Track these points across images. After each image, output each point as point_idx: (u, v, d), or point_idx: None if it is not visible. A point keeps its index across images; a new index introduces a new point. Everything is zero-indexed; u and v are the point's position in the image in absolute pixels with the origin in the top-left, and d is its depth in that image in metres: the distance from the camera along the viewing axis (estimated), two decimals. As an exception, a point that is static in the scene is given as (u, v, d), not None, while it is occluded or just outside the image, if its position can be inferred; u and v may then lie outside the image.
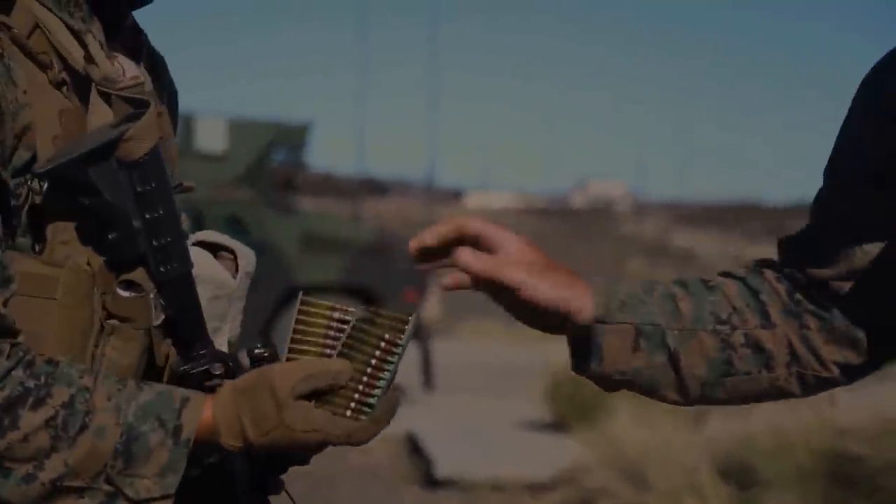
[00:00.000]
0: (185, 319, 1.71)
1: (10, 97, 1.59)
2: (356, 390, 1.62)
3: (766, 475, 6.87)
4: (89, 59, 1.67)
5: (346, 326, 1.63)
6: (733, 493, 7.05)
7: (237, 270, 1.86)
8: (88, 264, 1.64)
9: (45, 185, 1.61)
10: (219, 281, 1.83)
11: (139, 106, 1.66)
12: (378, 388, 1.64)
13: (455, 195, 61.69)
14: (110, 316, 1.66)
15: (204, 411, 1.61)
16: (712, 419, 8.25)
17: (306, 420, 1.60)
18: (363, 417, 1.63)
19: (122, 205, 1.63)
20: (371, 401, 1.63)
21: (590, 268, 40.02)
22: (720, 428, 7.86)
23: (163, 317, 1.69)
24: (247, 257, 1.86)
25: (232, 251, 1.86)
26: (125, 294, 1.66)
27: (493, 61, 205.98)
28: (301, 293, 1.68)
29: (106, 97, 1.67)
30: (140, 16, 1.82)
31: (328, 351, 1.63)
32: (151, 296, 1.67)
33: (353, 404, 1.62)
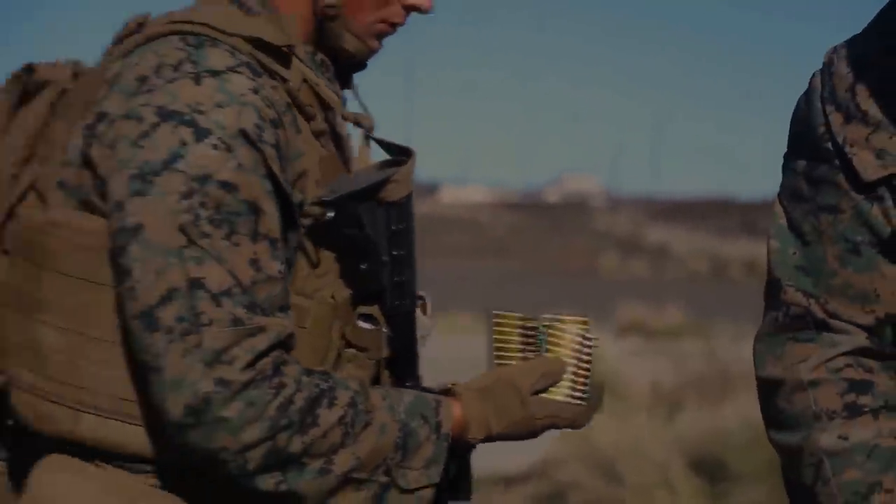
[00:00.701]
0: (405, 354, 1.91)
1: (293, 144, 1.73)
2: (569, 383, 1.85)
3: (737, 469, 6.91)
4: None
5: (534, 332, 1.87)
6: (705, 486, 7.10)
7: (425, 311, 2.01)
8: (332, 297, 1.79)
9: (330, 215, 1.76)
10: (421, 321, 1.99)
11: (403, 153, 1.85)
12: (586, 378, 1.86)
13: (430, 189, 61.68)
14: (349, 345, 1.81)
15: (455, 410, 1.82)
16: (686, 414, 8.29)
17: (545, 410, 1.84)
18: (582, 404, 1.86)
19: (378, 240, 1.80)
20: (583, 389, 1.86)
21: (564, 262, 40.06)
22: (692, 422, 7.90)
23: (388, 349, 1.87)
24: (430, 299, 2.03)
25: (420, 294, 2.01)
26: (365, 326, 1.83)
27: (468, 56, 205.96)
28: (493, 311, 1.91)
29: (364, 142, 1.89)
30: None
31: (529, 354, 1.86)
32: (384, 329, 1.85)
33: (571, 394, 1.85)
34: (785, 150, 1.71)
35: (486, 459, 9.77)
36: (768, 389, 1.65)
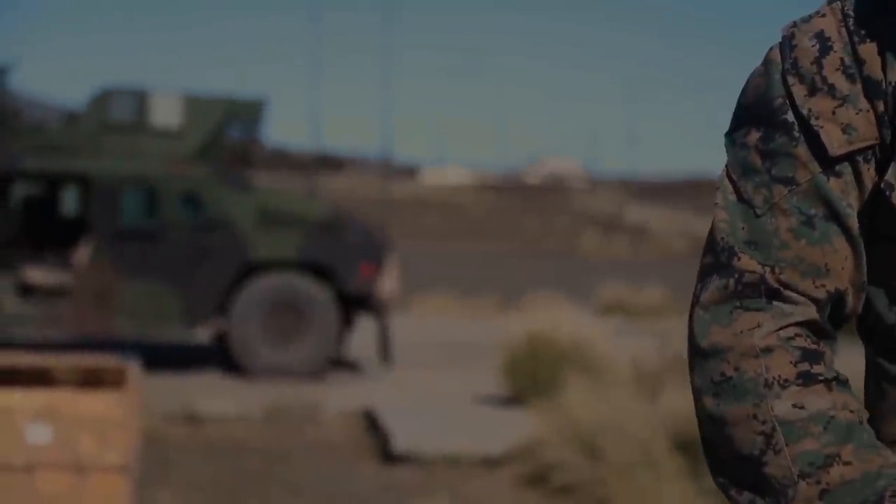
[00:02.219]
0: None
1: None
2: None
3: (719, 447, 6.93)
4: None
5: None
6: (687, 464, 7.12)
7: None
8: None
9: None
10: None
11: None
12: None
13: (411, 171, 61.62)
14: None
15: None
16: (667, 393, 8.32)
17: None
18: None
19: None
20: None
21: (544, 243, 40.10)
22: (675, 401, 7.92)
23: None
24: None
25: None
26: None
27: (447, 38, 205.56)
28: None
29: None
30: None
31: None
32: None
33: None
34: (729, 126, 1.69)
35: (469, 441, 9.79)
36: (709, 357, 1.61)
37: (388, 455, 8.89)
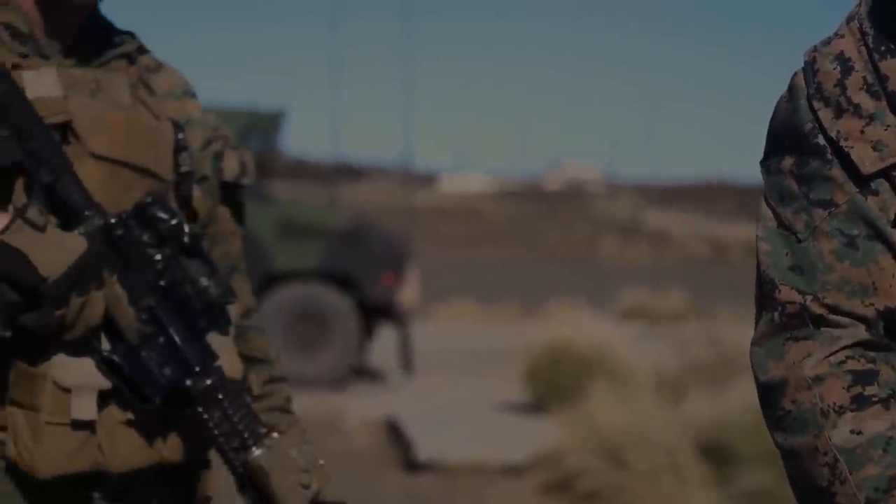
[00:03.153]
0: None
1: None
2: None
3: (743, 453, 6.91)
4: None
5: None
6: (712, 471, 7.10)
7: None
8: None
9: None
10: None
11: None
12: None
13: (430, 179, 61.66)
14: None
15: None
16: (690, 399, 8.29)
17: None
18: None
19: None
20: None
21: (564, 249, 40.06)
22: (698, 407, 7.90)
23: None
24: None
25: None
26: None
27: (466, 44, 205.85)
28: None
29: None
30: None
31: None
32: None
33: None
34: (763, 154, 1.70)
35: (492, 449, 9.78)
36: (771, 393, 1.63)
37: (410, 464, 8.88)
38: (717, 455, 7.10)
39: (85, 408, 1.89)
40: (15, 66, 1.91)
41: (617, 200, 53.49)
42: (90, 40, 2.02)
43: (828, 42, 1.65)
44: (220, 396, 1.98)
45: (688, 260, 36.91)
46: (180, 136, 2.06)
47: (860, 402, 1.56)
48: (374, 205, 35.90)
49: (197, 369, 1.97)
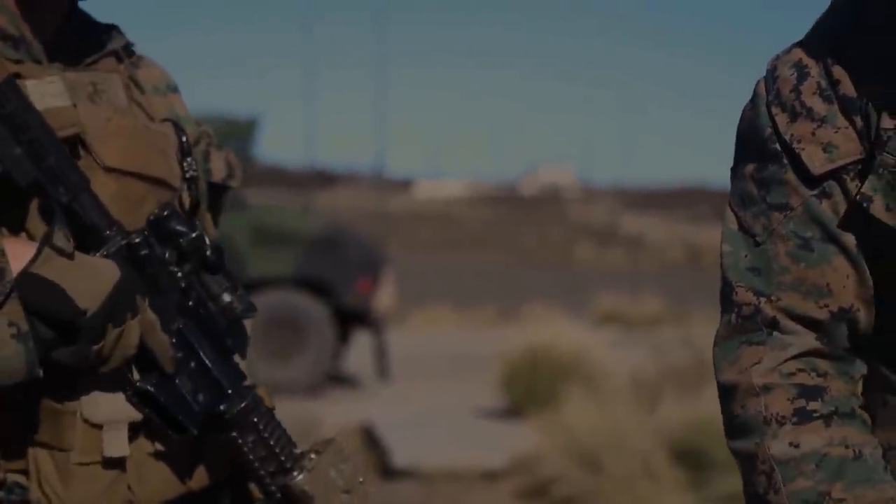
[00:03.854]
0: None
1: None
2: None
3: (719, 458, 6.93)
4: None
5: None
6: (687, 476, 7.11)
7: None
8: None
9: None
10: None
11: None
12: None
13: (405, 184, 61.64)
14: None
15: None
16: (665, 403, 8.31)
17: None
18: None
19: None
20: None
21: (540, 254, 40.10)
22: (673, 412, 7.91)
23: None
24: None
25: None
26: None
27: (440, 49, 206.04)
28: None
29: None
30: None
31: None
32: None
33: None
34: (733, 161, 1.74)
35: (469, 455, 9.77)
36: (725, 395, 1.67)
37: (387, 470, 8.87)
38: (692, 460, 7.12)
39: (117, 444, 1.76)
40: (16, 76, 1.73)
41: (593, 205, 53.57)
42: (72, 39, 1.86)
43: (788, 51, 1.70)
44: (255, 419, 1.87)
45: (664, 265, 37.00)
46: (184, 138, 1.91)
47: (801, 416, 1.60)
48: (349, 211, 35.87)
49: (229, 392, 1.86)
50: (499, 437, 9.36)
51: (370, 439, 9.85)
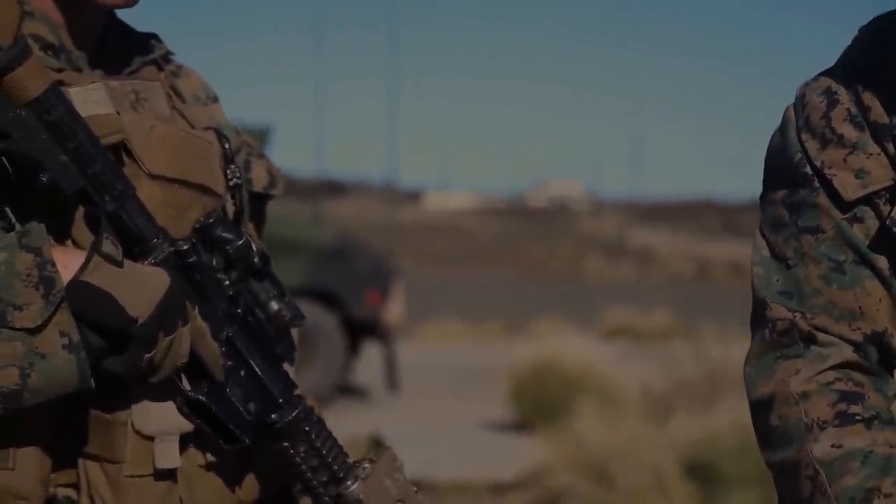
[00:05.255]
0: None
1: None
2: None
3: (729, 473, 6.91)
4: None
5: None
6: (698, 490, 7.09)
7: None
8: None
9: None
10: None
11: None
12: None
13: (415, 196, 61.73)
14: None
15: None
16: (676, 418, 8.28)
17: None
18: None
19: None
20: None
21: (549, 267, 40.09)
22: (684, 426, 7.89)
23: None
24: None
25: None
26: None
27: (452, 61, 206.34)
28: None
29: None
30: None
31: None
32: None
33: None
34: (761, 188, 1.75)
35: (478, 468, 9.73)
36: (760, 410, 1.67)
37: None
38: (702, 475, 7.09)
39: (169, 455, 1.72)
40: (59, 83, 1.69)
41: (602, 218, 53.58)
42: (113, 47, 1.85)
43: (817, 78, 1.71)
44: (307, 428, 1.84)
45: (672, 278, 36.97)
46: (227, 146, 1.90)
47: (843, 419, 1.59)
48: (358, 221, 35.90)
49: (280, 401, 1.83)
50: (507, 450, 9.34)
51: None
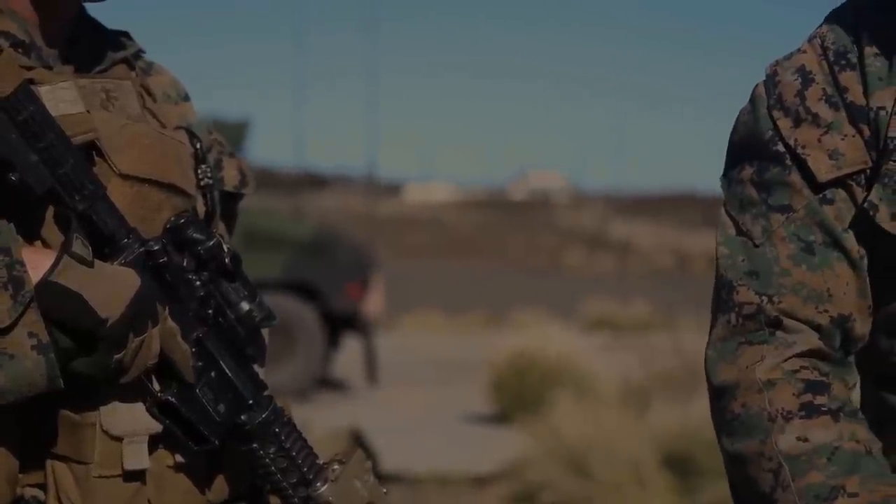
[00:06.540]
0: None
1: None
2: None
3: (708, 465, 6.93)
4: None
5: None
6: (676, 482, 7.11)
7: None
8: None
9: None
10: None
11: None
12: None
13: (395, 188, 61.66)
14: None
15: None
16: (654, 409, 8.31)
17: None
18: None
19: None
20: None
21: (529, 259, 40.13)
22: (662, 418, 7.91)
23: None
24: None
25: None
26: None
27: (431, 54, 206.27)
28: None
29: None
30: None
31: None
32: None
33: None
34: (724, 167, 1.72)
35: (457, 460, 9.73)
36: (721, 396, 1.63)
37: (375, 475, 8.84)
38: (681, 466, 7.12)
39: (138, 456, 1.71)
40: (30, 82, 1.67)
41: (582, 210, 53.61)
42: (83, 44, 1.83)
43: (789, 56, 1.69)
44: (277, 430, 1.83)
45: (653, 270, 37.03)
46: (198, 145, 1.88)
47: (809, 410, 1.56)
48: (339, 214, 35.85)
49: (250, 402, 1.81)
50: (487, 442, 9.36)
51: (359, 444, 9.84)
